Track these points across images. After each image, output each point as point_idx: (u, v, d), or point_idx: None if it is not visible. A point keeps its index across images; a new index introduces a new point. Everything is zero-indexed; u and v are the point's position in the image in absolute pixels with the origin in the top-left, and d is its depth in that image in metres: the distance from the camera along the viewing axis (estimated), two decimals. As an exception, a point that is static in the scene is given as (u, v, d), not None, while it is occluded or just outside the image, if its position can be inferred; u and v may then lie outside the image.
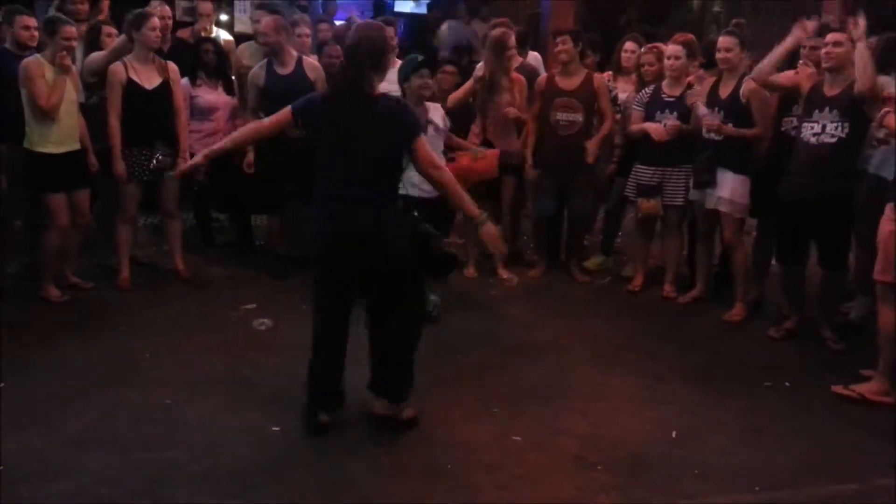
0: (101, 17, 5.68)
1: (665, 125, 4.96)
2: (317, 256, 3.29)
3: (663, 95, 5.07)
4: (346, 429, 3.36)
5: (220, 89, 5.48)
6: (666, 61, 5.06)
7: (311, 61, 5.35)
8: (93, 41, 5.21)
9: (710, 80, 4.94)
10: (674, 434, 3.48)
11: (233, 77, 5.59)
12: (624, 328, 4.74)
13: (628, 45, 5.66)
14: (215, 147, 3.50)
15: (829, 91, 4.23)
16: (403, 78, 4.29)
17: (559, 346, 4.42)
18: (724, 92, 4.75)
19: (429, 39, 8.77)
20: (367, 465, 3.17)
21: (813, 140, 4.24)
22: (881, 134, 4.10)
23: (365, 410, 3.47)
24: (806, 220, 4.32)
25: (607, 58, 6.13)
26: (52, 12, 5.07)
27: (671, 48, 5.08)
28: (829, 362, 4.26)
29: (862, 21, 4.00)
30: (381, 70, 3.19)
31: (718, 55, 4.74)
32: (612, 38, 6.24)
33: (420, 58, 4.36)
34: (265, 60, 5.23)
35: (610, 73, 5.76)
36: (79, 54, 5.18)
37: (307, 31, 5.64)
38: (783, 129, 4.68)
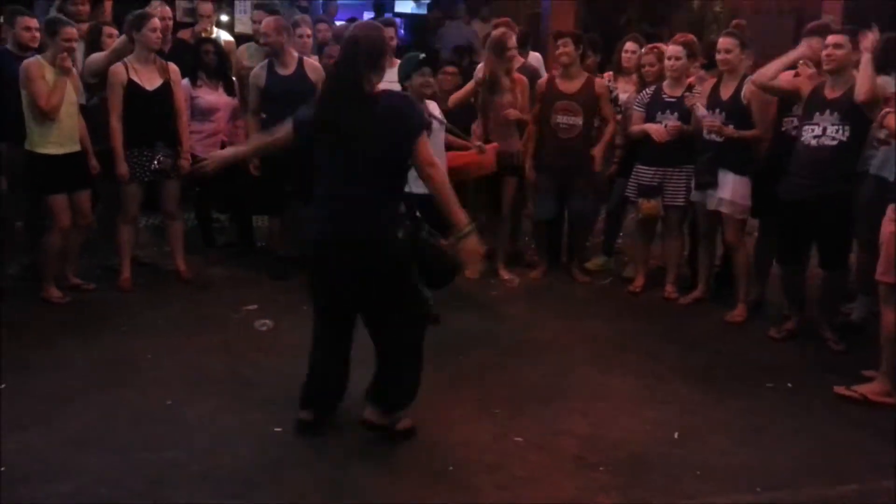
0: (103, 18, 5.70)
1: (666, 126, 4.96)
2: (313, 257, 3.23)
3: (664, 96, 5.07)
4: (347, 429, 3.35)
5: (221, 90, 5.49)
6: (666, 62, 5.06)
7: (313, 62, 5.35)
8: (93, 42, 5.22)
9: (711, 81, 4.94)
10: (675, 434, 3.48)
11: (233, 78, 5.59)
12: (625, 329, 4.73)
13: (629, 45, 5.66)
14: (226, 155, 3.48)
15: (830, 94, 4.22)
16: (405, 76, 4.28)
17: (560, 347, 4.42)
18: (726, 93, 4.75)
19: (429, 40, 8.77)
20: (367, 465, 3.16)
21: (813, 142, 4.24)
22: (882, 135, 4.10)
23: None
24: (806, 221, 4.32)
25: (608, 58, 6.13)
26: (52, 13, 5.07)
27: (671, 48, 5.07)
28: (830, 363, 4.26)
29: (873, 34, 3.99)
30: (379, 70, 3.13)
31: (718, 56, 4.74)
32: (613, 39, 6.24)
33: (421, 56, 4.35)
34: (266, 61, 5.24)
35: (610, 73, 5.76)
36: (79, 55, 5.19)
37: (308, 31, 5.64)
38: (783, 129, 4.68)
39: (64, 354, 4.10)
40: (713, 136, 4.71)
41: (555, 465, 3.23)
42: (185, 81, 5.28)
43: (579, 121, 5.22)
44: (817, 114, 4.23)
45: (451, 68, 5.65)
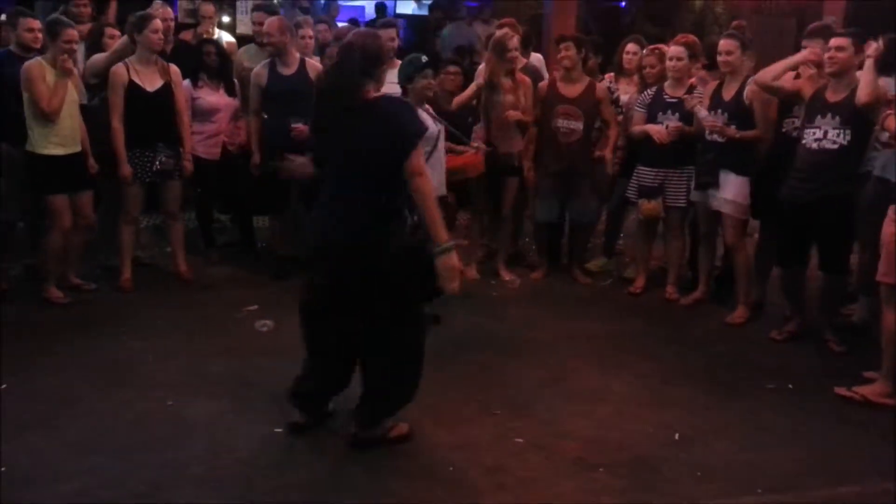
0: (108, 20, 5.71)
1: (667, 126, 4.96)
2: (312, 259, 3.24)
3: (665, 97, 5.07)
4: (348, 429, 3.35)
5: (222, 91, 5.49)
6: (668, 62, 5.06)
7: (314, 63, 5.36)
8: (95, 43, 5.22)
9: (713, 83, 4.93)
10: (676, 436, 3.48)
11: (234, 79, 5.60)
12: (625, 330, 4.73)
13: (630, 46, 5.66)
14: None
15: (832, 97, 4.22)
16: (407, 78, 4.27)
17: (560, 348, 4.41)
18: (728, 94, 4.75)
19: (430, 41, 8.78)
20: (367, 466, 3.16)
21: (814, 145, 4.24)
22: (884, 137, 4.10)
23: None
24: (807, 222, 4.32)
25: (609, 59, 6.12)
26: (57, 14, 5.07)
27: (673, 49, 5.07)
28: (831, 364, 4.26)
29: (878, 44, 3.99)
30: (375, 78, 3.08)
31: (719, 58, 4.74)
32: (614, 40, 6.23)
33: (423, 58, 4.34)
34: (268, 60, 5.24)
35: (612, 74, 5.76)
36: (81, 56, 5.19)
37: (310, 32, 5.65)
38: (784, 129, 4.68)
39: (65, 355, 4.10)
40: (715, 137, 4.71)
41: (555, 466, 3.23)
42: (187, 82, 5.28)
43: (580, 125, 5.22)
44: (818, 117, 4.23)
45: (453, 68, 5.65)
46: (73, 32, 4.62)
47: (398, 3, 10.26)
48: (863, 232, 4.28)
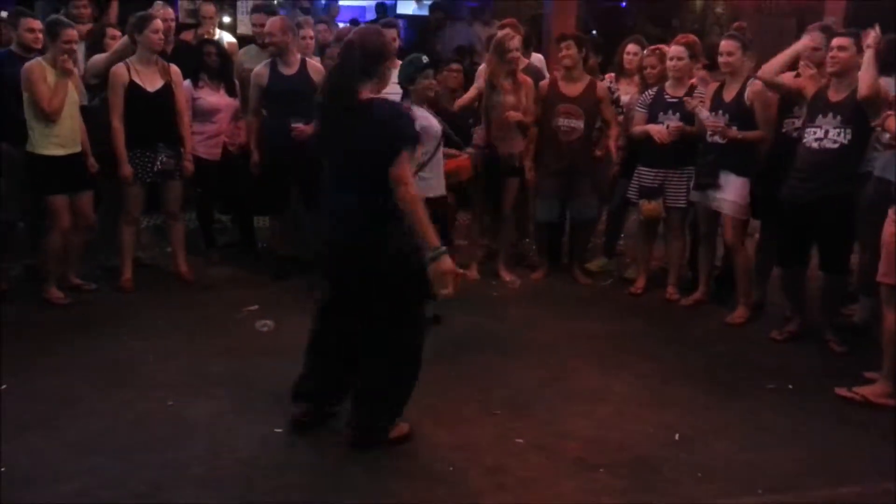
0: (109, 21, 5.70)
1: (668, 126, 4.96)
2: (319, 257, 3.27)
3: (666, 97, 5.07)
4: (348, 430, 3.34)
5: (223, 91, 5.49)
6: (668, 62, 5.06)
7: (315, 64, 5.36)
8: (96, 43, 5.22)
9: (714, 84, 4.93)
10: (676, 436, 3.48)
11: (235, 80, 5.60)
12: (626, 330, 4.73)
13: (630, 47, 5.66)
14: None
15: (834, 96, 4.22)
16: (408, 79, 4.28)
17: (561, 348, 4.41)
18: (729, 95, 4.75)
19: (431, 41, 8.77)
20: (368, 467, 3.16)
21: (815, 145, 4.24)
22: (885, 138, 4.10)
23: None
24: (807, 223, 4.32)
25: (609, 60, 6.12)
26: (59, 15, 5.07)
27: (673, 49, 5.07)
28: (832, 365, 4.26)
29: (875, 32, 3.98)
30: (377, 76, 3.07)
31: (720, 59, 4.74)
32: (614, 40, 6.23)
33: (424, 58, 4.35)
34: (269, 60, 5.24)
35: (612, 74, 5.76)
36: (81, 56, 5.19)
37: (311, 33, 5.66)
38: (784, 129, 4.68)
39: (65, 355, 4.10)
40: (716, 139, 4.70)
41: (556, 466, 3.23)
42: (187, 83, 5.28)
43: (580, 124, 5.23)
44: (820, 116, 4.23)
45: (455, 65, 5.65)
46: (72, 33, 4.62)
47: (398, 3, 10.26)
48: (863, 232, 4.28)
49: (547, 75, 5.86)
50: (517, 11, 7.95)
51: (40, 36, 4.72)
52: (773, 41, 4.48)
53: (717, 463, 3.28)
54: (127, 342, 4.30)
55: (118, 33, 5.20)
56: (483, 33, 8.01)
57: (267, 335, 4.49)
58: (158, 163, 4.97)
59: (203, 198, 5.77)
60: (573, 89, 5.25)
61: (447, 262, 2.94)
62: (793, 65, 4.56)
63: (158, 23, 4.93)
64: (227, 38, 6.41)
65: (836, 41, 4.18)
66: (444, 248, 2.95)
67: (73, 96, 4.69)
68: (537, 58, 6.25)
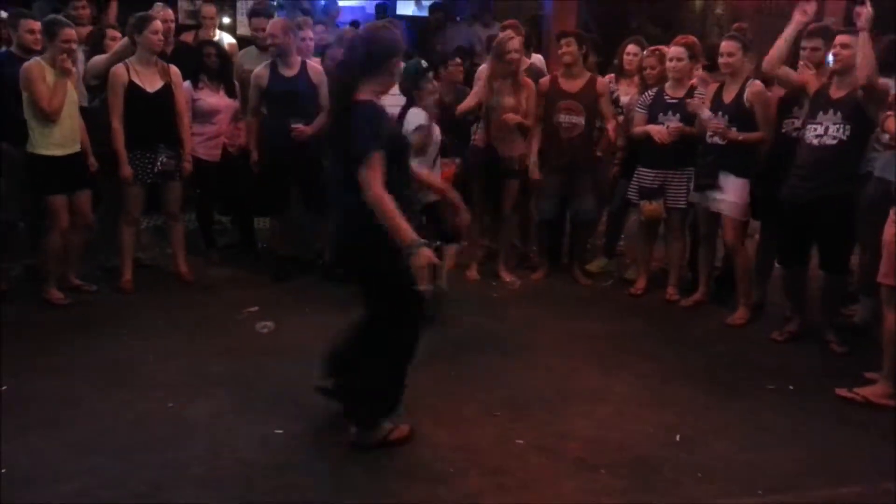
0: (109, 21, 5.70)
1: (667, 127, 4.96)
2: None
3: (666, 97, 5.07)
4: (348, 431, 3.35)
5: (222, 92, 5.49)
6: (668, 63, 5.06)
7: (315, 65, 5.36)
8: (96, 44, 5.23)
9: (714, 84, 4.93)
10: (677, 437, 3.47)
11: (234, 81, 5.60)
12: (626, 331, 4.73)
13: (630, 47, 5.66)
14: None
15: (835, 93, 4.23)
16: (413, 85, 4.27)
17: (561, 349, 4.41)
18: (728, 96, 4.75)
19: (430, 42, 8.77)
20: (368, 467, 3.16)
21: (815, 142, 4.24)
22: (884, 138, 4.10)
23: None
24: (807, 222, 4.32)
25: (609, 60, 6.12)
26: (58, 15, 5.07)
27: (673, 50, 5.07)
28: (832, 365, 4.26)
29: (866, 10, 3.97)
30: (382, 73, 3.05)
31: (721, 60, 4.74)
32: (614, 40, 6.23)
33: (423, 62, 4.35)
34: (269, 61, 5.25)
35: (612, 75, 5.76)
36: (81, 57, 5.19)
37: (310, 34, 5.66)
38: (783, 130, 4.68)
39: (65, 356, 4.10)
40: (716, 140, 4.71)
41: (556, 467, 3.23)
42: (187, 84, 5.28)
43: (581, 120, 5.23)
44: (821, 113, 4.24)
45: (457, 60, 5.66)
46: (70, 32, 4.62)
47: (398, 4, 10.25)
48: (863, 233, 4.28)
49: (547, 75, 5.86)
50: (517, 13, 7.96)
51: (40, 37, 4.72)
52: (773, 42, 4.46)
53: (717, 463, 3.28)
54: (127, 342, 4.30)
55: (118, 34, 5.21)
56: (483, 34, 8.01)
57: (267, 336, 4.48)
58: (159, 164, 4.97)
59: (203, 198, 5.77)
60: (573, 86, 5.25)
61: (422, 256, 2.89)
62: (792, 65, 4.56)
63: (158, 24, 4.93)
64: (226, 39, 6.41)
65: (839, 39, 4.19)
66: (420, 242, 2.91)
67: (73, 96, 4.70)
68: (537, 58, 6.26)
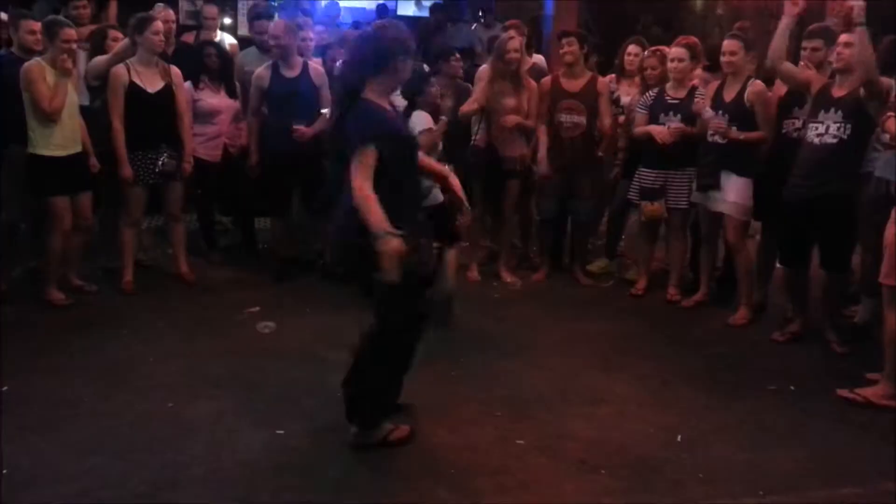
0: (109, 22, 5.71)
1: (669, 127, 4.96)
2: None
3: (667, 98, 5.07)
4: (349, 432, 3.35)
5: (223, 93, 5.49)
6: (669, 63, 5.06)
7: (317, 66, 5.37)
8: (97, 45, 5.23)
9: (714, 83, 4.93)
10: (678, 438, 3.47)
11: (235, 81, 5.60)
12: (627, 331, 4.73)
13: (631, 48, 5.66)
14: None
15: (837, 92, 4.22)
16: (418, 91, 4.27)
17: (562, 350, 4.41)
18: (729, 95, 4.75)
19: (431, 43, 8.77)
20: (369, 468, 3.16)
21: (816, 141, 4.24)
22: (885, 138, 4.09)
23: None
24: (808, 221, 4.32)
25: (610, 60, 6.12)
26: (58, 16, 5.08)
27: (674, 51, 5.07)
28: (833, 365, 4.25)
29: (860, 4, 3.96)
30: (388, 71, 3.02)
31: (723, 59, 4.74)
32: (615, 41, 6.23)
33: (425, 67, 4.36)
34: (270, 62, 5.25)
35: (613, 76, 5.76)
36: (82, 57, 5.20)
37: (311, 35, 5.67)
38: (784, 130, 4.68)
39: (66, 357, 4.10)
40: (716, 139, 4.70)
41: (557, 468, 3.22)
42: (188, 84, 5.29)
43: (583, 119, 5.23)
44: (822, 111, 4.24)
45: (456, 55, 5.66)
46: (70, 32, 4.62)
47: (398, 4, 10.26)
48: (864, 233, 4.28)
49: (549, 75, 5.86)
50: (518, 13, 7.96)
51: (41, 38, 4.72)
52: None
53: (718, 464, 3.27)
54: (128, 343, 4.30)
55: (120, 35, 5.20)
56: (484, 35, 8.02)
57: (268, 336, 4.48)
58: (160, 164, 4.97)
59: (204, 199, 5.78)
60: (575, 85, 5.26)
61: (389, 244, 2.82)
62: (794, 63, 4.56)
63: (159, 24, 4.94)
64: (228, 39, 6.42)
65: (842, 38, 4.19)
66: (392, 231, 2.84)
67: (73, 97, 4.70)
68: (539, 58, 6.26)
